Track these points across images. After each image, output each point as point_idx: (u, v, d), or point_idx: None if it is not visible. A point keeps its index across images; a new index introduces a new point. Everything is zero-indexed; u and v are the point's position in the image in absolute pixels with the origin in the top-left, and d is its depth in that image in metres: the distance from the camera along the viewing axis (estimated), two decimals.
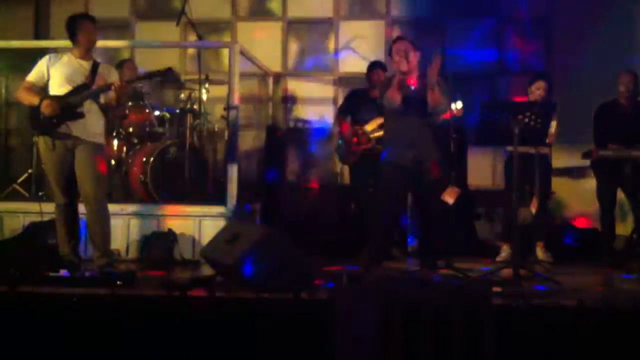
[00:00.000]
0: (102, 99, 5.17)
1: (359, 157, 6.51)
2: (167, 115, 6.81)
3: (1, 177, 7.14)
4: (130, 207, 6.18)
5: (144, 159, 6.42)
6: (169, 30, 7.30)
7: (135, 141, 6.65)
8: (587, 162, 6.39)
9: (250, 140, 7.63)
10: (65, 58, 5.17)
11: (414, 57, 5.39)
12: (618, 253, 6.14)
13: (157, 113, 6.78)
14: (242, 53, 6.57)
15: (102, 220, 5.17)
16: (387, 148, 5.48)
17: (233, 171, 6.21)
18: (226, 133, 6.64)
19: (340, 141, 6.69)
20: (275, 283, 4.49)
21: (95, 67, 5.15)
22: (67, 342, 4.05)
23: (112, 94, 5.10)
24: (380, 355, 3.38)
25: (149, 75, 5.78)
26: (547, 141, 5.65)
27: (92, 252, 5.28)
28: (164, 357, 4.06)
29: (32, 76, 5.17)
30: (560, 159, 6.70)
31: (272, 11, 8.12)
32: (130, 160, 6.52)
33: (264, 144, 7.49)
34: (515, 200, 5.21)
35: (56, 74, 5.11)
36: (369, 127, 6.47)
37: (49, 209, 5.42)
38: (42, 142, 5.17)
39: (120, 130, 6.59)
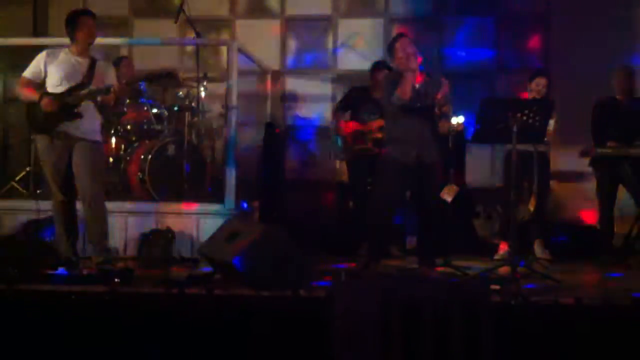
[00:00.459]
0: (99, 98, 5.15)
1: (356, 155, 6.50)
2: (165, 112, 6.80)
3: None
4: (129, 205, 6.17)
5: (142, 157, 6.42)
6: (167, 28, 7.29)
7: (133, 139, 6.65)
8: (585, 159, 6.38)
9: (248, 137, 7.62)
10: (63, 55, 5.15)
11: (418, 55, 5.35)
12: (617, 250, 6.13)
13: (155, 110, 6.77)
14: (240, 50, 6.56)
15: (100, 218, 5.17)
16: (390, 145, 5.44)
17: (231, 169, 6.21)
18: (224, 131, 6.63)
19: (337, 137, 6.69)
20: (274, 280, 4.49)
21: (92, 64, 5.13)
22: (65, 340, 4.04)
23: (111, 95, 5.07)
24: (380, 353, 3.38)
25: (149, 78, 5.77)
26: (545, 139, 5.66)
27: (90, 250, 5.28)
28: (163, 355, 4.06)
29: (29, 72, 5.15)
30: (559, 156, 6.70)
31: (270, 9, 8.10)
32: (128, 158, 6.51)
33: (262, 141, 7.47)
34: (513, 197, 5.22)
35: (53, 71, 5.09)
36: (367, 128, 6.46)
37: (47, 207, 5.42)
38: (40, 140, 5.16)
39: (119, 127, 6.59)
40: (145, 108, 6.72)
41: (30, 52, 5.36)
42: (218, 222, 5.82)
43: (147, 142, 6.59)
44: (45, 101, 5.00)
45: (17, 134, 7.50)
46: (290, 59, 8.04)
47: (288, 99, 7.99)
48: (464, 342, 3.39)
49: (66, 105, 5.03)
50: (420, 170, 5.28)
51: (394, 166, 5.32)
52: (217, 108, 7.17)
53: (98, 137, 5.24)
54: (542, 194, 6.35)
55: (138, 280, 4.86)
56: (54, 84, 5.07)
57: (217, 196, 6.33)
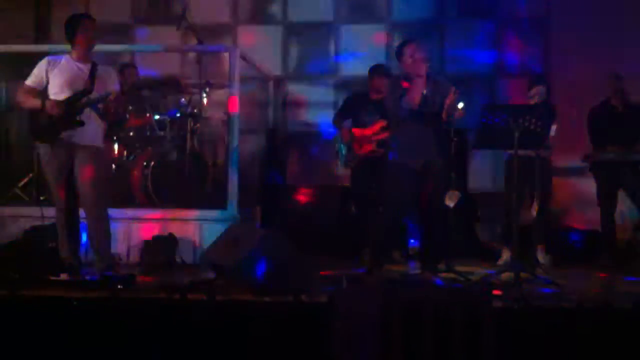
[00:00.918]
0: (100, 105, 5.14)
1: (360, 160, 6.51)
2: (168, 119, 6.81)
3: (2, 181, 7.13)
4: (131, 211, 6.18)
5: (145, 163, 6.43)
6: (169, 34, 7.31)
7: (136, 145, 6.66)
8: (586, 164, 6.39)
9: (250, 143, 7.63)
10: (64, 62, 5.13)
11: (426, 57, 5.35)
12: (619, 254, 6.13)
13: (157, 117, 6.78)
14: (243, 57, 6.58)
15: (103, 224, 5.17)
16: (397, 151, 5.42)
17: (233, 175, 6.22)
18: (226, 137, 6.64)
19: (340, 145, 6.70)
20: (276, 286, 4.49)
21: (94, 70, 5.12)
22: (67, 346, 4.05)
23: (110, 102, 5.07)
24: (381, 358, 3.38)
25: (152, 85, 5.77)
26: (547, 144, 5.66)
27: (92, 256, 5.28)
28: None
29: (31, 80, 5.14)
30: (560, 161, 6.70)
31: (272, 15, 8.12)
32: (130, 164, 6.52)
33: (264, 147, 7.49)
34: (515, 203, 5.21)
35: (55, 78, 5.08)
36: (370, 131, 6.47)
37: (49, 213, 5.43)
38: (42, 147, 5.16)
39: (121, 134, 6.60)
40: (148, 115, 6.73)
41: (33, 59, 5.36)
42: (220, 228, 5.81)
43: (149, 148, 6.61)
44: (49, 104, 4.99)
45: (20, 141, 7.52)
46: (292, 65, 8.06)
47: (290, 105, 8.00)
48: (466, 347, 3.39)
49: (69, 112, 5.02)
50: (425, 176, 5.27)
51: (402, 172, 5.30)
52: (219, 114, 7.18)
53: (100, 144, 5.24)
54: (544, 199, 6.36)
55: (140, 286, 4.87)
56: (56, 91, 5.06)
57: (219, 202, 6.34)
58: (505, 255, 6.31)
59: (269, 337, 4.01)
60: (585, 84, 6.77)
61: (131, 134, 6.65)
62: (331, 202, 7.25)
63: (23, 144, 7.15)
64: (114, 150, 6.56)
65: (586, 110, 6.38)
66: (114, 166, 6.52)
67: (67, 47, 5.22)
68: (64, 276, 4.93)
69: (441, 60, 7.63)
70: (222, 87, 6.88)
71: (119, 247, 5.92)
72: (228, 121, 6.49)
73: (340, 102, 7.12)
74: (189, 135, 6.66)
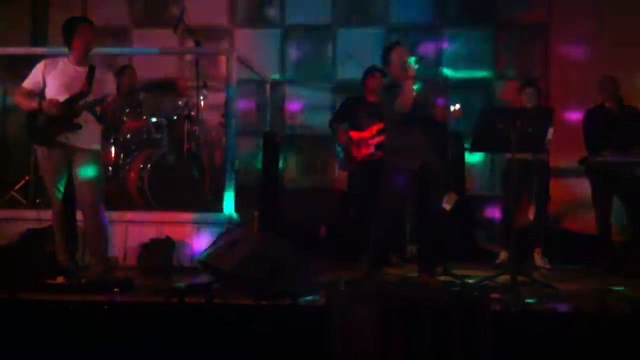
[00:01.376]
0: (97, 108, 5.13)
1: (358, 163, 6.51)
2: (165, 121, 6.80)
3: None
4: (128, 214, 6.17)
5: (141, 166, 6.43)
6: (167, 37, 7.30)
7: (133, 148, 6.65)
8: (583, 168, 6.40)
9: (247, 146, 7.63)
10: (62, 64, 5.13)
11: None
12: (615, 258, 6.13)
13: (154, 119, 6.78)
14: (240, 60, 6.58)
15: (100, 227, 5.16)
16: (394, 154, 5.42)
17: (230, 178, 6.21)
18: (224, 140, 6.64)
19: (338, 148, 6.70)
20: (273, 289, 4.48)
21: (91, 73, 5.12)
22: (65, 349, 4.04)
23: (107, 105, 5.06)
24: None
25: (149, 87, 5.77)
26: (545, 147, 5.67)
27: (89, 259, 5.27)
28: None
29: (28, 83, 5.13)
30: (558, 165, 6.71)
31: (270, 18, 8.13)
32: (127, 167, 6.52)
33: (261, 150, 7.48)
34: (513, 206, 5.21)
35: (52, 81, 5.07)
36: (367, 134, 6.48)
37: (46, 216, 5.42)
38: (39, 150, 5.16)
39: (118, 136, 6.59)
40: (145, 117, 6.73)
41: (30, 60, 5.35)
42: (217, 230, 5.82)
43: (146, 151, 6.60)
44: (47, 103, 4.98)
45: (17, 143, 7.50)
46: (289, 68, 8.06)
47: (287, 108, 7.99)
48: (464, 350, 3.39)
49: (66, 115, 5.02)
50: (423, 178, 5.27)
51: (400, 174, 5.29)
52: (216, 117, 7.17)
53: (97, 146, 5.23)
54: (541, 202, 6.37)
55: (138, 289, 4.86)
56: (53, 94, 5.04)
57: (216, 205, 6.33)
58: (503, 255, 6.32)
59: (268, 341, 4.00)
60: (584, 88, 6.78)
61: (128, 136, 6.64)
62: (329, 206, 7.25)
63: (20, 146, 7.12)
64: (111, 153, 6.55)
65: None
66: (110, 168, 6.50)
67: (65, 49, 5.21)
68: (60, 279, 4.92)
69: (439, 65, 7.63)
70: (219, 89, 6.88)
71: (115, 250, 5.91)
72: (225, 124, 6.49)
73: (338, 105, 7.12)
74: (186, 138, 6.66)
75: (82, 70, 5.11)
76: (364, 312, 3.49)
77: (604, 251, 6.22)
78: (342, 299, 3.90)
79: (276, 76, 7.98)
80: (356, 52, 7.79)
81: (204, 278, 5.13)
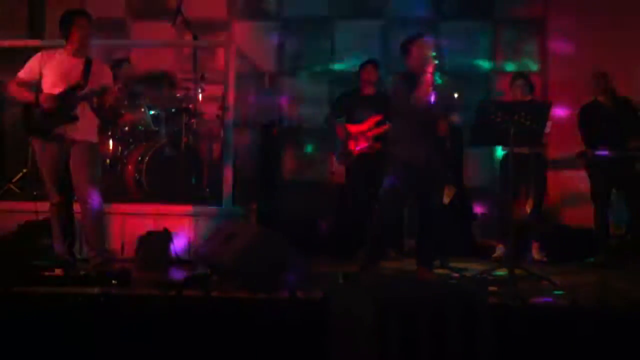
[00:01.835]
0: (94, 100, 5.13)
1: (356, 156, 6.52)
2: (163, 114, 6.79)
3: None
4: (126, 207, 6.17)
5: (139, 158, 6.42)
6: (164, 30, 7.28)
7: (131, 140, 6.64)
8: (580, 162, 6.40)
9: (245, 139, 7.62)
10: (58, 56, 5.12)
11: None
12: (612, 252, 6.15)
13: (152, 112, 6.77)
14: (238, 52, 6.56)
15: (97, 219, 5.16)
16: (398, 146, 5.37)
17: (228, 171, 6.21)
18: (222, 132, 6.63)
19: (336, 142, 6.70)
20: (271, 282, 4.49)
21: (88, 64, 5.11)
22: (62, 342, 4.04)
23: (104, 97, 5.05)
24: (376, 355, 3.38)
25: (147, 80, 5.76)
26: (542, 141, 5.67)
27: (87, 252, 5.27)
28: (160, 356, 4.06)
29: (23, 73, 5.12)
30: (555, 158, 6.72)
31: (268, 10, 8.10)
32: (125, 159, 6.51)
33: (259, 143, 7.48)
34: (510, 199, 5.21)
35: (49, 72, 5.07)
36: (365, 126, 6.48)
37: (44, 209, 5.41)
38: (36, 142, 5.15)
39: (116, 129, 6.58)
40: (143, 110, 6.72)
41: (26, 53, 5.34)
42: (215, 223, 5.82)
43: (144, 143, 6.59)
44: (43, 97, 4.97)
45: (14, 135, 7.49)
46: (288, 60, 8.04)
47: (285, 100, 7.98)
48: (462, 344, 3.39)
49: (62, 107, 5.01)
50: (426, 172, 5.24)
51: (404, 168, 5.27)
52: (214, 110, 7.16)
53: (95, 138, 5.22)
54: (539, 195, 6.38)
55: (135, 281, 4.86)
56: (49, 85, 5.04)
57: (214, 198, 6.32)
58: (499, 249, 6.33)
59: (265, 333, 4.01)
60: (581, 83, 6.77)
61: (126, 129, 6.63)
62: (327, 199, 7.25)
63: (18, 138, 7.11)
64: (108, 145, 6.54)
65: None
66: (108, 161, 6.50)
67: (61, 41, 5.20)
68: (58, 272, 4.92)
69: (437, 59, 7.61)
70: (217, 82, 6.87)
71: (113, 242, 5.91)
72: (223, 116, 6.48)
73: (336, 98, 7.12)
74: (183, 131, 6.65)
75: (79, 62, 5.10)
76: (361, 306, 3.49)
77: (601, 245, 6.23)
78: (339, 292, 3.90)
79: (274, 69, 7.97)
80: (354, 45, 7.77)
81: (201, 271, 5.13)
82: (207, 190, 6.74)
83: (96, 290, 4.43)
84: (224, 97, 6.45)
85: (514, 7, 7.73)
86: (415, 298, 3.50)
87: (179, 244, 5.94)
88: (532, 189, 6.37)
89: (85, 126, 5.11)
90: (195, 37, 6.92)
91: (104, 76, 5.19)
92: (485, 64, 7.75)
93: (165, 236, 5.91)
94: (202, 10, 7.52)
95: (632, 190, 6.18)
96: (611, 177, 6.20)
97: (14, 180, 6.88)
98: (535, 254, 6.35)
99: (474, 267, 5.69)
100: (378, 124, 6.41)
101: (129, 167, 6.44)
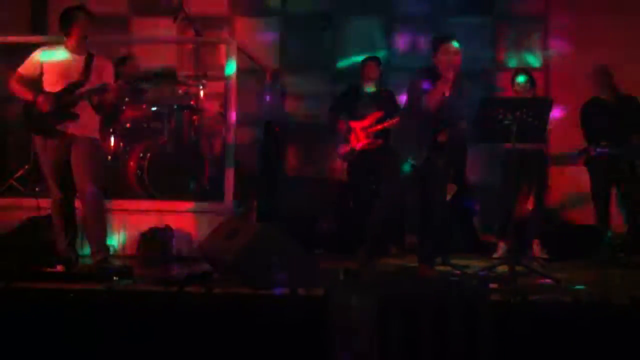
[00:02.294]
0: (94, 97, 5.12)
1: (358, 153, 6.52)
2: (164, 111, 6.79)
3: None
4: (127, 203, 6.17)
5: (141, 155, 6.42)
6: (166, 26, 7.28)
7: (133, 137, 6.64)
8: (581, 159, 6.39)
9: (247, 136, 7.62)
10: (59, 52, 5.12)
11: (460, 63, 5.14)
12: (613, 249, 6.14)
13: (154, 109, 6.76)
14: (240, 49, 6.56)
15: (99, 215, 5.16)
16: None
17: (230, 169, 6.21)
18: (223, 129, 6.63)
19: (338, 138, 6.70)
20: (273, 279, 4.48)
21: (89, 61, 5.11)
22: (63, 338, 4.05)
23: (105, 95, 5.05)
24: (377, 352, 3.38)
25: (148, 77, 5.75)
26: (544, 138, 5.66)
27: (88, 248, 5.27)
28: (162, 353, 4.06)
29: (24, 68, 5.12)
30: (556, 155, 6.71)
31: (270, 6, 8.09)
32: (127, 156, 6.51)
33: (261, 139, 7.47)
34: (512, 196, 5.20)
35: (50, 69, 5.07)
36: (367, 122, 6.48)
37: (45, 205, 5.41)
38: (38, 139, 5.15)
39: (117, 126, 6.58)
40: (144, 107, 6.72)
41: (29, 49, 5.34)
42: (217, 220, 5.81)
43: (146, 140, 6.59)
44: (40, 99, 4.98)
45: (16, 132, 7.49)
46: (290, 56, 8.03)
47: (287, 97, 7.98)
48: (463, 341, 3.39)
49: (62, 105, 5.01)
50: (428, 170, 5.23)
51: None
52: (216, 106, 7.15)
53: (96, 135, 5.23)
54: (540, 192, 6.37)
55: (137, 278, 4.86)
56: (51, 81, 5.05)
57: (216, 194, 6.33)
58: (502, 248, 6.33)
59: (266, 330, 4.01)
60: (584, 79, 6.77)
61: (128, 125, 6.63)
62: (329, 196, 7.25)
63: (20, 135, 7.11)
64: (110, 142, 6.54)
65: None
66: (110, 158, 6.50)
67: (62, 38, 5.19)
68: (59, 268, 4.92)
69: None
70: (219, 79, 6.86)
71: (115, 239, 5.91)
72: (225, 113, 6.48)
73: (338, 95, 7.11)
74: (185, 127, 6.65)
75: (80, 59, 5.11)
76: (362, 303, 3.49)
77: (602, 242, 6.22)
78: (340, 289, 3.90)
79: (276, 65, 7.96)
80: (356, 41, 7.77)
81: (203, 268, 5.14)
82: (209, 187, 6.74)
83: (98, 286, 4.43)
84: (225, 94, 6.44)
85: (516, 4, 7.72)
86: (416, 295, 3.50)
87: (180, 240, 5.94)
88: (534, 185, 6.36)
89: (86, 122, 5.11)
90: (197, 33, 6.91)
91: (105, 72, 5.18)
92: (487, 60, 7.73)
93: (167, 233, 5.92)
94: (203, 7, 7.51)
95: (632, 187, 6.16)
96: (612, 174, 6.18)
97: (15, 176, 6.89)
98: (537, 250, 6.34)
99: (476, 264, 5.68)
100: (379, 120, 6.41)
101: (131, 163, 6.45)
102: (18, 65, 5.21)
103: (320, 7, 7.94)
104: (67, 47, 5.13)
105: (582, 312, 4.06)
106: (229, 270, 4.71)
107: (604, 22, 7.19)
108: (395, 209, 5.45)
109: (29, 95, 5.03)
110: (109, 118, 6.26)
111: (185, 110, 6.73)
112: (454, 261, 5.48)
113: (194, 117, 6.84)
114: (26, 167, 6.83)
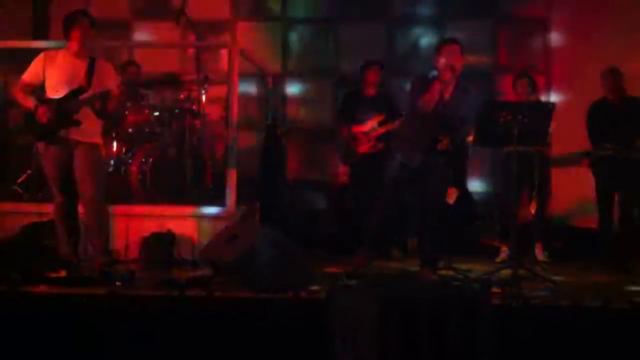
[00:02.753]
0: (96, 104, 5.12)
1: (360, 156, 6.53)
2: (166, 115, 6.80)
3: (0, 177, 7.12)
4: (129, 208, 6.18)
5: (143, 159, 6.43)
6: (168, 30, 7.29)
7: (135, 141, 6.65)
8: (585, 161, 6.38)
9: (249, 140, 7.63)
10: (62, 57, 5.12)
11: (460, 66, 5.21)
12: (616, 253, 6.12)
13: (156, 113, 6.77)
14: (241, 53, 6.57)
15: (101, 220, 5.17)
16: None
17: (232, 172, 6.21)
18: (225, 133, 6.63)
19: (341, 142, 6.71)
20: (274, 282, 4.49)
21: (91, 65, 5.12)
22: (66, 342, 4.06)
23: (107, 101, 5.06)
24: (378, 355, 3.39)
25: (151, 81, 5.76)
26: (546, 141, 5.66)
27: (91, 253, 5.28)
28: (163, 357, 4.07)
29: (28, 75, 5.13)
30: (558, 157, 6.71)
31: (272, 11, 8.10)
32: (129, 161, 6.52)
33: (263, 143, 7.48)
34: (513, 200, 5.19)
35: (52, 74, 5.08)
36: (367, 127, 6.49)
37: (48, 210, 5.42)
38: (40, 144, 5.16)
39: (120, 130, 6.59)
40: (146, 111, 6.72)
41: (31, 54, 5.35)
42: (219, 224, 5.82)
43: (148, 145, 6.60)
44: (40, 111, 4.98)
45: (19, 137, 7.51)
46: (291, 61, 8.04)
47: (289, 101, 7.98)
48: (462, 344, 3.39)
49: (64, 111, 5.01)
50: (423, 172, 5.23)
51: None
52: (218, 111, 7.16)
53: (98, 140, 5.23)
54: (542, 195, 6.36)
55: (139, 282, 4.87)
56: (53, 87, 5.06)
57: (218, 198, 6.33)
58: (504, 252, 6.32)
59: (269, 334, 4.01)
60: (585, 81, 6.77)
61: (130, 130, 6.64)
62: (330, 199, 7.25)
63: (21, 140, 7.13)
64: (112, 146, 6.55)
65: (586, 107, 6.36)
66: (112, 162, 6.51)
67: (64, 42, 5.20)
68: (62, 273, 4.93)
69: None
70: (221, 83, 6.87)
71: (117, 243, 5.92)
72: (226, 117, 6.48)
73: (339, 99, 7.11)
74: (187, 132, 6.65)
75: (82, 63, 5.11)
76: (363, 305, 3.49)
77: (605, 245, 6.21)
78: (341, 292, 3.90)
79: (278, 69, 7.97)
80: (357, 45, 7.77)
81: (205, 271, 5.14)
82: (211, 191, 6.74)
83: (100, 290, 4.44)
84: (227, 98, 6.45)
85: (517, 6, 7.72)
86: (416, 298, 3.50)
87: (182, 245, 5.95)
88: (536, 189, 6.35)
89: (88, 127, 5.11)
90: (199, 38, 6.92)
91: (108, 77, 5.18)
92: (488, 63, 7.73)
93: (169, 237, 5.93)
94: (205, 11, 7.52)
95: (635, 189, 6.14)
96: (616, 177, 6.17)
97: (18, 181, 6.90)
98: (539, 254, 6.33)
99: (478, 268, 5.68)
100: (380, 124, 6.42)
101: (133, 168, 6.45)
102: (20, 71, 5.22)
103: (321, 11, 7.94)
104: (69, 52, 5.14)
105: (584, 316, 4.06)
106: (229, 272, 4.72)
107: (605, 24, 7.19)
108: (393, 211, 5.46)
109: (30, 105, 5.04)
110: (111, 123, 6.27)
111: (187, 115, 6.73)
112: (456, 265, 5.47)
113: (196, 121, 6.84)
114: (29, 172, 6.84)
